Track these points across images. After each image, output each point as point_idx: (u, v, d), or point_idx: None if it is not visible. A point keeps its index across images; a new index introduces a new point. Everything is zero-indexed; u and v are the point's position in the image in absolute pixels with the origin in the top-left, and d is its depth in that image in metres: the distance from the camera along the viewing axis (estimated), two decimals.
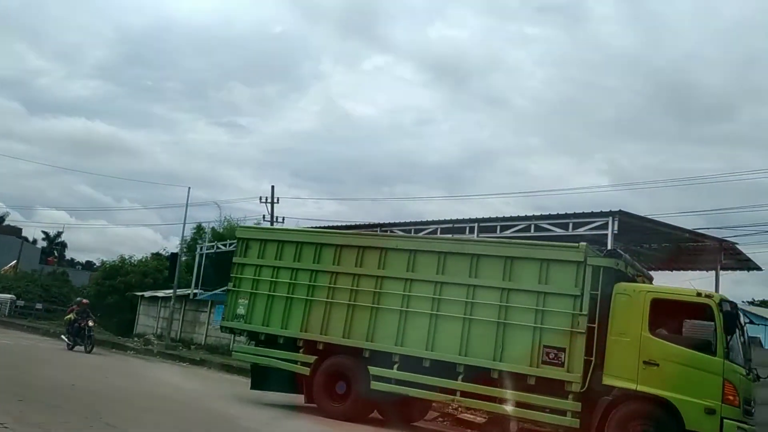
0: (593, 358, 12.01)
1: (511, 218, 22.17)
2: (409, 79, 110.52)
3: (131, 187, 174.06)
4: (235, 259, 16.12)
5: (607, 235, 19.26)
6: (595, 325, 12.13)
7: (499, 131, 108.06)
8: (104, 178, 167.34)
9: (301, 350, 14.66)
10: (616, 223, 19.02)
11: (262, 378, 15.56)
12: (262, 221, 40.26)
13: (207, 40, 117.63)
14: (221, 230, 44.16)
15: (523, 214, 21.80)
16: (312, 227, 27.09)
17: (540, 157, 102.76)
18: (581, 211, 20.11)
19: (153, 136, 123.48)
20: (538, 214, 21.40)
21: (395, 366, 13.52)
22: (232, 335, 22.48)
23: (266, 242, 15.80)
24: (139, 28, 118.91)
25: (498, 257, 13.22)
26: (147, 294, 40.31)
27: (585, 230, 20.00)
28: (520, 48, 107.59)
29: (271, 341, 15.13)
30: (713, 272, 22.41)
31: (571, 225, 20.36)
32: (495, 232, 22.49)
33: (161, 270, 44.05)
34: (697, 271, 24.59)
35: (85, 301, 27.81)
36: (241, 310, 15.57)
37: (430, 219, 25.32)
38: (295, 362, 14.60)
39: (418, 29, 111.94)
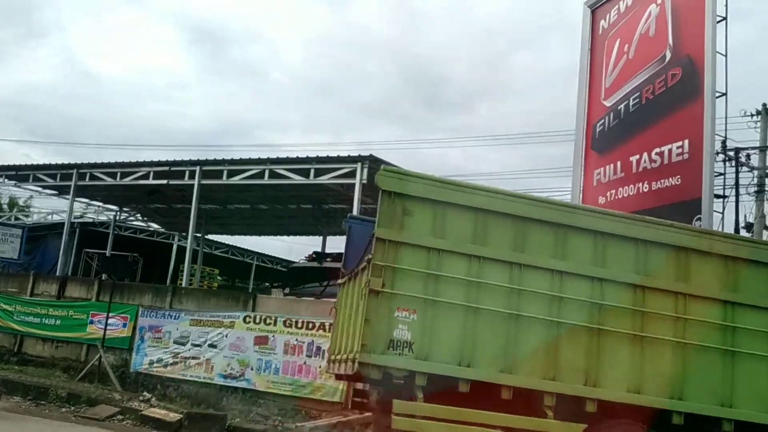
0: None
1: (241, 161, 17.75)
2: (164, 40, 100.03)
3: None
4: (378, 232, 8.06)
5: (354, 185, 15.69)
6: None
7: (256, 104, 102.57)
8: None
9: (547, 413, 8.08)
10: (365, 170, 15.50)
11: None
12: None
13: None
14: None
15: (257, 157, 17.47)
16: None
17: (296, 132, 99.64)
18: (326, 155, 16.31)
19: None
20: (275, 157, 17.21)
21: None
22: None
23: (451, 208, 8.21)
24: None
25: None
26: None
27: (329, 178, 16.32)
28: (282, 22, 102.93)
29: (450, 395, 7.94)
30: None
31: (312, 172, 16.48)
32: (221, 177, 17.91)
33: None
34: None
35: None
36: (402, 333, 7.87)
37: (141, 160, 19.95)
38: None
39: None
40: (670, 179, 13.88)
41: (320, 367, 14.66)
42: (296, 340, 15.11)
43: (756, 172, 19.98)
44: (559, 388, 8.03)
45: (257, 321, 15.62)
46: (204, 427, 11.44)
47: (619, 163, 15.48)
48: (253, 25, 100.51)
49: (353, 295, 9.04)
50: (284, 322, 15.30)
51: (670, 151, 14.00)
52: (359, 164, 15.49)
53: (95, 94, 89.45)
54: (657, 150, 14.34)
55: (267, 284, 32.80)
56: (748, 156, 20.00)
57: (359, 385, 10.44)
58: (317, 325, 14.89)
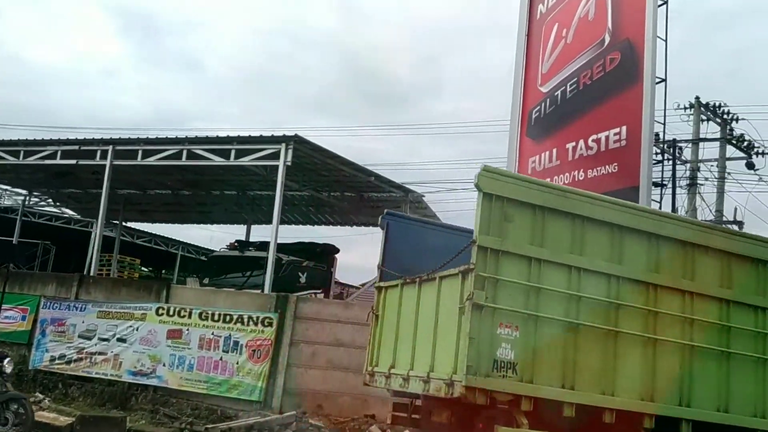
0: None
1: (157, 140, 16.43)
2: (98, 24, 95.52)
3: None
4: (481, 240, 7.10)
5: (278, 167, 14.64)
6: None
7: (194, 94, 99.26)
8: None
9: None
10: (290, 152, 14.47)
11: None
12: None
13: None
14: None
15: (174, 136, 16.18)
16: None
17: (234, 124, 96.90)
18: (247, 134, 15.17)
19: None
20: (193, 136, 15.97)
21: None
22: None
23: (549, 214, 7.46)
24: None
25: None
26: None
27: (251, 160, 15.21)
28: (219, 12, 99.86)
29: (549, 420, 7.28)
30: None
31: (233, 153, 15.33)
32: (135, 158, 16.55)
33: None
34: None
35: None
36: (506, 352, 7.08)
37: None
38: None
39: None
40: (607, 167, 13.42)
41: (237, 363, 13.67)
42: (212, 333, 14.00)
43: (689, 165, 19.95)
44: (660, 410, 7.63)
45: (171, 313, 14.41)
46: None
47: (554, 151, 14.97)
48: (189, 14, 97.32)
49: (426, 305, 8.01)
50: (200, 315, 14.16)
51: (607, 137, 13.54)
52: (283, 145, 14.43)
53: (29, 80, 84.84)
54: (594, 137, 13.87)
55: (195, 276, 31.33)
56: (680, 149, 19.93)
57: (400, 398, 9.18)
58: (235, 317, 13.83)
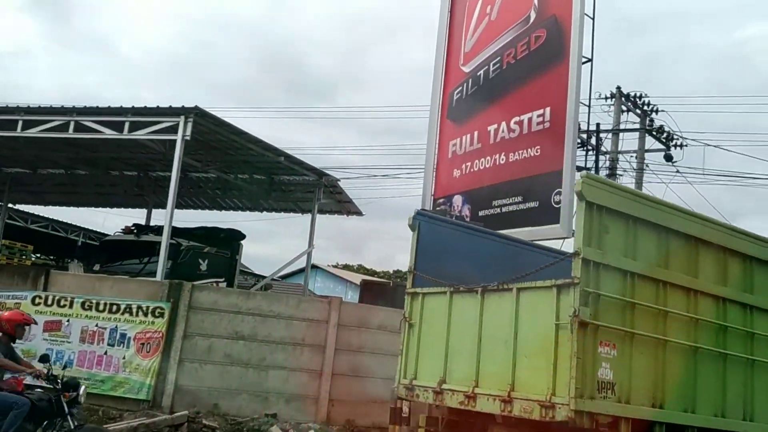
0: None
1: (41, 110, 14.69)
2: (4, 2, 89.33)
3: None
4: (585, 252, 6.70)
5: (175, 142, 13.24)
6: None
7: (108, 79, 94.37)
8: None
9: None
10: (189, 125, 13.10)
11: None
12: None
13: None
14: None
15: (60, 105, 14.47)
16: None
17: None
18: (143, 105, 13.68)
19: None
20: (82, 106, 14.31)
21: None
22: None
23: (641, 225, 7.23)
24: None
25: None
26: None
27: (147, 134, 13.72)
28: None
29: None
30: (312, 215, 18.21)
31: (127, 125, 13.80)
32: (15, 128, 14.74)
33: None
34: (297, 213, 20.36)
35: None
36: (606, 372, 6.73)
37: None
38: None
39: None
40: (530, 150, 12.73)
41: (124, 357, 12.24)
42: (96, 325, 12.50)
43: (608, 156, 19.66)
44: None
45: (49, 302, 12.78)
46: None
47: (476, 134, 14.19)
48: None
49: (495, 317, 7.48)
50: (83, 304, 12.61)
51: (530, 119, 12.84)
52: (182, 117, 13.02)
53: None
54: (516, 119, 13.16)
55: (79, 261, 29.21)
56: (601, 140, 19.61)
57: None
58: (122, 307, 12.38)
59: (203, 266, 15.52)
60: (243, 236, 17.35)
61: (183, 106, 12.99)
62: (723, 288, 7.78)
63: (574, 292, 6.54)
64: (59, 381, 8.01)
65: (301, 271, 44.91)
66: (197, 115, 13.13)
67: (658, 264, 7.31)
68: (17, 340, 8.78)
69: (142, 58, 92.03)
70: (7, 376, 8.13)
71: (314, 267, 46.22)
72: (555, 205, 11.85)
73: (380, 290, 20.76)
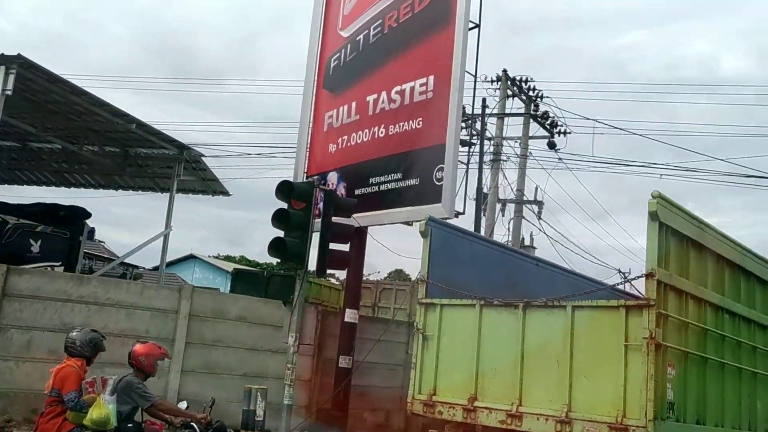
0: None
1: None
2: None
3: None
4: (660, 274, 6.71)
5: None
6: None
7: None
8: None
9: None
10: (11, 77, 10.91)
11: None
12: None
13: None
14: None
15: None
16: None
17: None
18: None
19: None
20: None
21: None
22: None
23: (693, 248, 7.47)
24: None
25: None
26: None
27: None
28: None
29: None
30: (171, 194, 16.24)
31: None
32: None
33: None
34: (156, 192, 18.22)
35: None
36: (668, 393, 6.70)
37: None
38: None
39: None
40: (411, 122, 11.54)
41: None
42: None
43: (493, 141, 18.98)
44: None
45: None
46: None
47: (354, 104, 12.86)
48: None
49: (542, 334, 7.33)
50: None
51: (412, 89, 11.65)
52: (3, 68, 10.83)
53: None
54: (398, 88, 11.93)
55: None
56: (485, 124, 18.88)
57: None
58: None
59: (35, 248, 13.28)
60: (88, 215, 15.14)
61: (3, 54, 10.77)
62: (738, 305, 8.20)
63: (648, 314, 6.50)
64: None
65: (180, 261, 42.63)
66: (21, 66, 10.95)
67: (714, 289, 7.64)
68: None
69: (14, 31, 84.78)
70: None
71: (193, 257, 44.04)
72: (437, 182, 10.72)
73: (253, 279, 19.21)
